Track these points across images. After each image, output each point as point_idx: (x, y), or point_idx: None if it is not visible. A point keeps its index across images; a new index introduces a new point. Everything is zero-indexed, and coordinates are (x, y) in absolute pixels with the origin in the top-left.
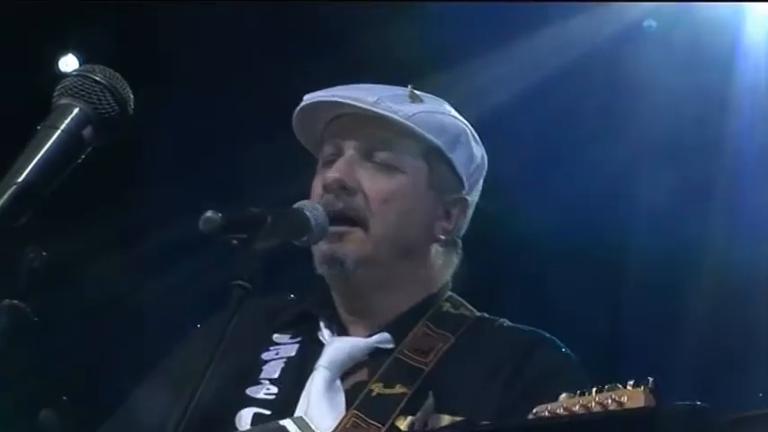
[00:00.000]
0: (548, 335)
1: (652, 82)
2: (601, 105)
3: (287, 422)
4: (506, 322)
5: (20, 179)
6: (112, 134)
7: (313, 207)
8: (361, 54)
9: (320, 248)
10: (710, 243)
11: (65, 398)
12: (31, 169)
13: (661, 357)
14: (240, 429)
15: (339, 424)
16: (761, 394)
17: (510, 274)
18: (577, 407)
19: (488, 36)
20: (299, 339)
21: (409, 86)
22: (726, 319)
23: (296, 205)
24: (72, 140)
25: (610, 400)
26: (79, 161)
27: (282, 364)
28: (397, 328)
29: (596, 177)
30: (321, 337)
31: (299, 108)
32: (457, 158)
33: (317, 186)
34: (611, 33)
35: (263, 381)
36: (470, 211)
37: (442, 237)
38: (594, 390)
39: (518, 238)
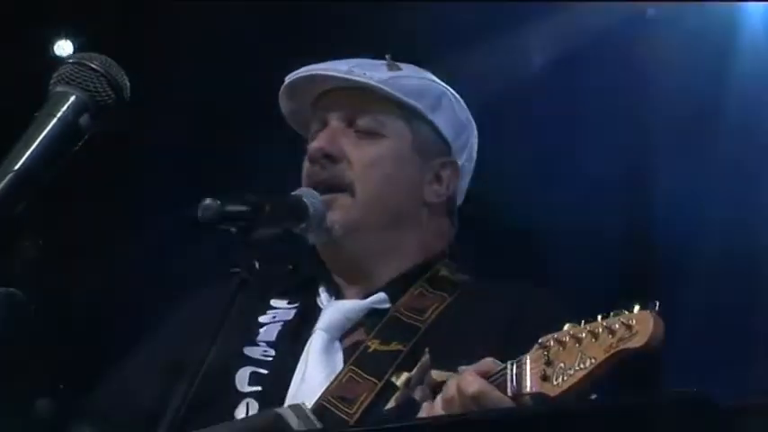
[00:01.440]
0: (542, 288)
1: (665, 66)
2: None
3: (284, 410)
4: (503, 281)
5: (16, 167)
6: (109, 121)
7: (311, 194)
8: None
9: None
10: (735, 227)
11: (61, 387)
12: (28, 157)
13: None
14: (238, 388)
15: (335, 379)
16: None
17: (521, 264)
18: (584, 333)
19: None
20: (296, 305)
21: (387, 56)
22: (759, 306)
23: (294, 193)
24: (69, 128)
25: (618, 324)
26: (76, 148)
27: (279, 327)
28: (393, 289)
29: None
30: (319, 302)
31: (281, 92)
32: (439, 121)
33: (306, 164)
34: (621, 18)
35: (260, 342)
36: (466, 176)
37: (435, 200)
38: (600, 317)
39: (528, 226)
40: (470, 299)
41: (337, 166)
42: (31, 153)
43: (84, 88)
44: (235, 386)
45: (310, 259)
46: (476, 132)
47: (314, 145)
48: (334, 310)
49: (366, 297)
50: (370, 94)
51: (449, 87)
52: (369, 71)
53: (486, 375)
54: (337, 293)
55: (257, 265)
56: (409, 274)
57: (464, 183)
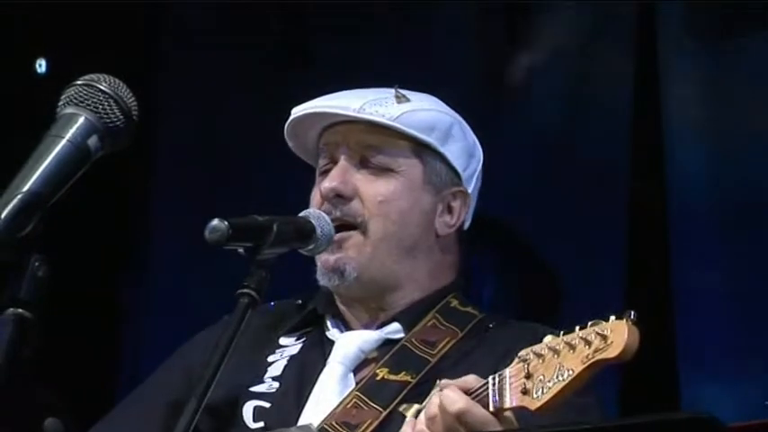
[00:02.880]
0: (555, 330)
1: None
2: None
3: (293, 431)
4: (513, 321)
5: (25, 188)
6: (118, 144)
7: (319, 216)
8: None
9: (321, 258)
10: None
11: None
12: (36, 179)
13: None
14: (246, 424)
15: (340, 404)
16: (766, 402)
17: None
18: (562, 345)
19: None
20: (303, 340)
21: (395, 87)
22: None
23: (301, 214)
24: (77, 150)
25: (593, 335)
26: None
27: (285, 362)
28: (408, 318)
29: None
30: (328, 335)
31: (287, 124)
32: (450, 152)
33: (315, 197)
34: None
35: (266, 379)
36: (473, 203)
37: (447, 231)
38: (578, 327)
39: None
40: (482, 337)
41: (350, 205)
42: (40, 174)
43: (94, 110)
44: (243, 421)
45: (318, 293)
46: (482, 154)
47: (326, 185)
48: (347, 342)
49: (377, 327)
50: (380, 129)
51: (456, 115)
52: (379, 107)
53: (468, 391)
54: (345, 324)
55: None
56: (422, 303)
57: (473, 206)
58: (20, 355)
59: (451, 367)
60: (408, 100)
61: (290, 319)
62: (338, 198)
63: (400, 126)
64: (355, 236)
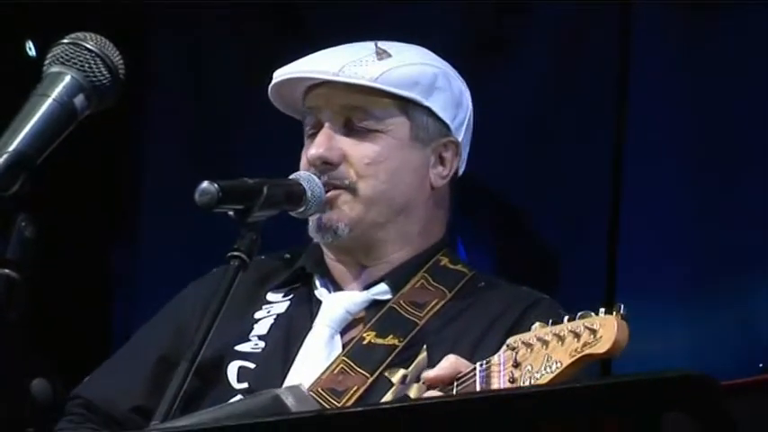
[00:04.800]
0: (546, 296)
1: None
2: None
3: (282, 391)
4: (503, 282)
5: (11, 148)
6: (104, 102)
7: (309, 178)
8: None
9: (313, 217)
10: None
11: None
12: (23, 138)
13: None
14: (231, 384)
15: (326, 369)
16: (761, 365)
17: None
18: (551, 336)
19: None
20: (291, 297)
21: (375, 43)
22: None
23: (292, 176)
24: (63, 109)
25: (582, 328)
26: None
27: (272, 320)
28: (396, 278)
29: None
30: (316, 294)
31: (270, 88)
32: (436, 104)
33: (303, 161)
34: None
35: (252, 337)
36: (465, 151)
37: (441, 182)
38: (567, 318)
39: None
40: (471, 297)
41: (338, 170)
42: (26, 134)
43: (80, 69)
44: (228, 381)
45: (306, 249)
46: (470, 101)
47: (311, 152)
48: (334, 304)
49: (365, 288)
50: (363, 89)
51: (440, 62)
52: (359, 67)
53: (454, 376)
54: (335, 285)
55: (255, 248)
56: (410, 264)
57: (465, 154)
58: (6, 315)
59: (439, 330)
60: (390, 55)
61: (277, 274)
62: (325, 165)
63: (381, 86)
64: (344, 194)
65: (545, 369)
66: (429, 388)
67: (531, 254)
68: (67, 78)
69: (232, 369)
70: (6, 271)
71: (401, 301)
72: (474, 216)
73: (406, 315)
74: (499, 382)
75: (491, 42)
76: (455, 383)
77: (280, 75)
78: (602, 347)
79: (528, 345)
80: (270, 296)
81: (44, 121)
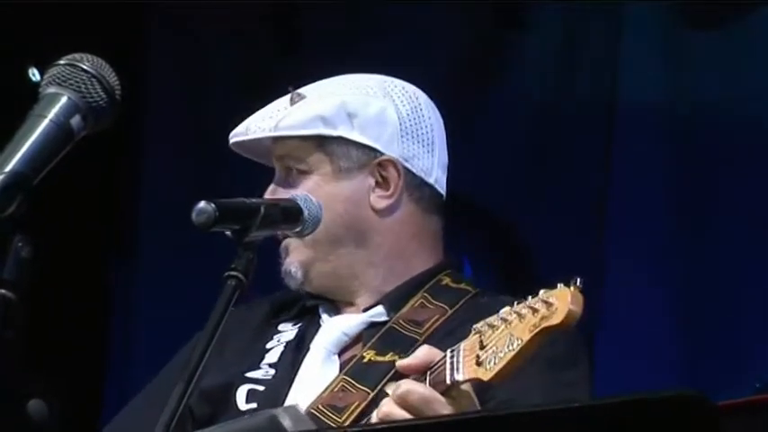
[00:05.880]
0: None
1: None
2: None
3: (279, 411)
4: (508, 297)
5: (7, 169)
6: (101, 123)
7: (306, 198)
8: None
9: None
10: None
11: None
12: (19, 159)
13: None
14: (238, 406)
15: (326, 388)
16: (757, 385)
17: None
18: (512, 315)
19: None
20: (300, 325)
21: (289, 89)
22: None
23: (289, 196)
24: (60, 129)
25: (540, 303)
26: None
27: (282, 348)
28: (392, 301)
29: None
30: (320, 321)
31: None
32: (347, 131)
33: None
34: None
35: (263, 366)
36: (423, 161)
37: (387, 202)
38: (530, 296)
39: None
40: (472, 311)
41: None
42: (23, 155)
43: (76, 90)
44: (236, 404)
45: None
46: (409, 108)
47: None
48: (330, 327)
49: (365, 310)
50: (282, 140)
51: (357, 86)
52: (265, 120)
53: (428, 365)
54: (336, 311)
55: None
56: (409, 285)
57: (423, 162)
58: (3, 335)
59: (437, 343)
60: (303, 97)
61: (288, 307)
62: None
63: (278, 133)
64: (293, 241)
65: (507, 347)
66: (402, 377)
67: (530, 270)
68: (64, 99)
69: (241, 392)
70: (2, 291)
71: (401, 320)
72: (476, 234)
73: (406, 333)
74: (466, 366)
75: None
76: (428, 373)
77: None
78: (556, 318)
79: (492, 326)
80: (281, 327)
81: (41, 142)
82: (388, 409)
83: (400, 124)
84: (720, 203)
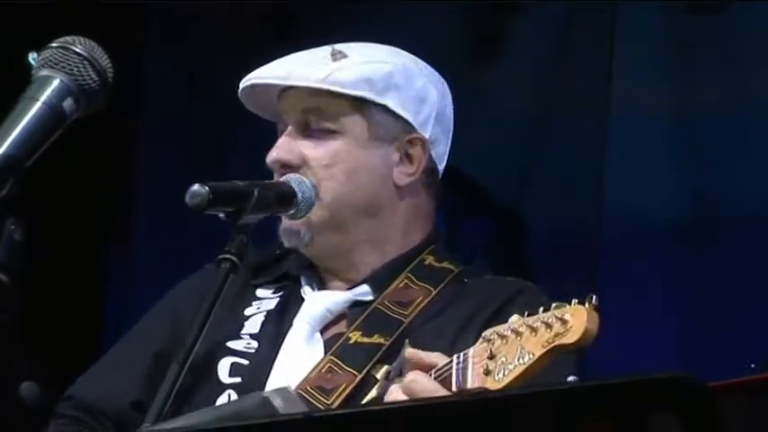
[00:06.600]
0: (531, 284)
1: None
2: None
3: (270, 394)
4: (490, 275)
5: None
6: (93, 105)
7: (300, 180)
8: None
9: (283, 221)
10: None
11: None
12: (11, 141)
13: None
14: (220, 379)
15: (314, 368)
16: (752, 365)
17: None
18: (524, 327)
19: None
20: (280, 294)
21: (332, 46)
22: None
23: (283, 178)
24: (52, 112)
25: (554, 318)
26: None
27: (263, 318)
28: (377, 280)
29: None
30: (302, 293)
31: (240, 95)
32: (393, 102)
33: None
34: None
35: (243, 336)
36: (441, 143)
37: (407, 181)
38: (542, 309)
39: None
40: (456, 293)
41: (297, 173)
42: (14, 138)
43: (68, 72)
44: (218, 377)
45: (294, 251)
46: (441, 93)
47: (270, 156)
48: (314, 302)
49: (350, 288)
50: (318, 92)
51: (403, 59)
52: (310, 69)
53: (432, 369)
54: (320, 284)
55: (246, 250)
56: (393, 265)
57: (441, 149)
58: None
59: (423, 325)
60: (346, 56)
61: (267, 271)
62: (284, 168)
63: (328, 86)
64: None
65: (518, 360)
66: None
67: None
68: (56, 82)
69: (223, 365)
70: None
71: (385, 301)
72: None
73: (391, 314)
74: (474, 374)
75: (488, 39)
76: (432, 373)
77: (243, 82)
78: (571, 337)
79: (503, 336)
80: (259, 292)
81: (33, 125)
82: (395, 397)
83: (438, 107)
84: (721, 198)
